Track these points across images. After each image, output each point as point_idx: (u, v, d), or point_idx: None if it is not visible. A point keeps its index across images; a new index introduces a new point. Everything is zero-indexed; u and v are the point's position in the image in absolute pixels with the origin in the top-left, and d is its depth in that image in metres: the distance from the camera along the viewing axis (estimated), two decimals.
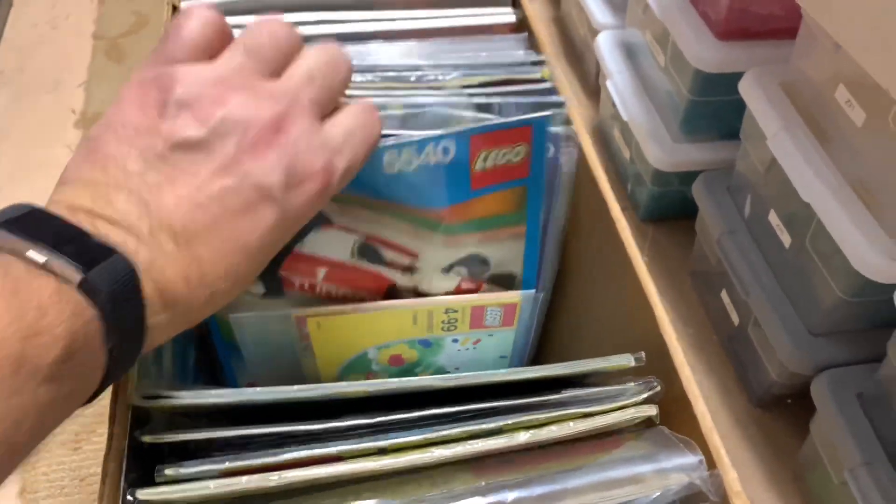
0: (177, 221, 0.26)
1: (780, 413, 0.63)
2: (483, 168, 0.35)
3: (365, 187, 0.34)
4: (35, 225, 0.24)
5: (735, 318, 0.64)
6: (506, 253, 0.40)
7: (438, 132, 0.34)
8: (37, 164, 0.78)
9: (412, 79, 0.41)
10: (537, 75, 0.44)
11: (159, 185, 0.26)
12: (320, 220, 0.36)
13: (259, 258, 0.28)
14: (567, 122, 0.41)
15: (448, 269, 0.39)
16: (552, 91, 0.43)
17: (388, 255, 0.38)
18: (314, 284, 0.38)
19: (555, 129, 0.39)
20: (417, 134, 0.34)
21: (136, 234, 0.26)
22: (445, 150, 0.34)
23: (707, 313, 0.70)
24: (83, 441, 0.58)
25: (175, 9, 0.46)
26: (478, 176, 0.35)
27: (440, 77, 0.42)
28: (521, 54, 0.46)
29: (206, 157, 0.27)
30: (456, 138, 0.34)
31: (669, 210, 0.75)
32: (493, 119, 0.37)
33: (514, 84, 0.43)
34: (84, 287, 0.23)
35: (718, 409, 0.64)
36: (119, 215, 0.26)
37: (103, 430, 0.58)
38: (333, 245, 0.37)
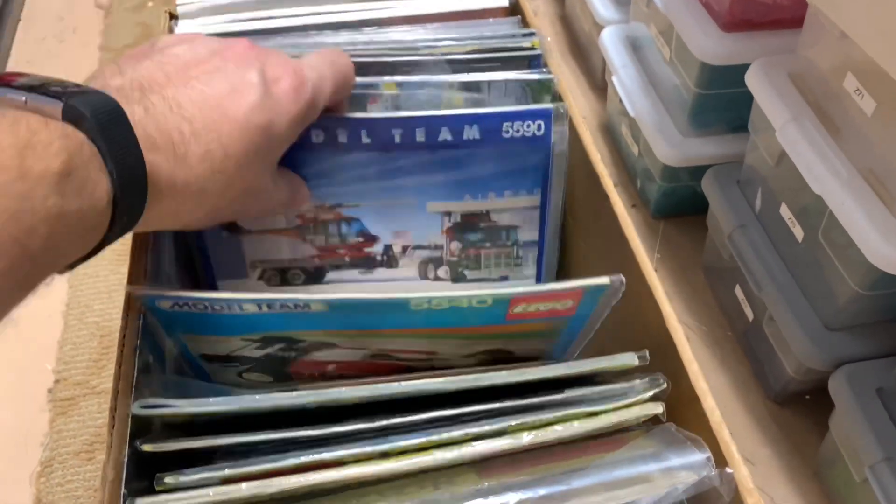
0: (167, 90, 0.30)
1: (799, 409, 0.62)
2: (524, 310, 0.34)
3: (388, 324, 0.34)
4: (25, 83, 0.27)
5: (749, 314, 0.63)
6: (533, 345, 0.39)
7: (475, 293, 0.32)
8: None
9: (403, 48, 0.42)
10: (528, 44, 0.43)
11: (150, 71, 0.30)
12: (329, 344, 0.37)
13: (247, 135, 0.31)
14: (558, 98, 0.41)
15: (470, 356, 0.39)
16: (540, 61, 0.42)
17: (403, 356, 0.38)
18: (324, 373, 0.39)
19: (546, 106, 0.38)
20: (457, 295, 0.32)
21: (127, 95, 0.29)
22: (482, 302, 0.32)
23: (721, 309, 0.69)
24: (97, 451, 0.59)
25: (172, 17, 0.46)
26: (515, 315, 0.34)
27: (431, 44, 0.42)
28: (512, 28, 0.46)
29: (191, 55, 0.32)
30: (493, 300, 0.32)
31: (680, 206, 0.75)
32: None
33: (505, 51, 0.43)
34: (66, 115, 0.26)
35: (735, 405, 0.63)
36: (112, 86, 0.29)
37: None
38: (344, 354, 0.37)
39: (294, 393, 0.29)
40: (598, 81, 0.89)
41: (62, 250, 0.26)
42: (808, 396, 0.62)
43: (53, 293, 0.68)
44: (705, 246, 0.71)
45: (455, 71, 0.43)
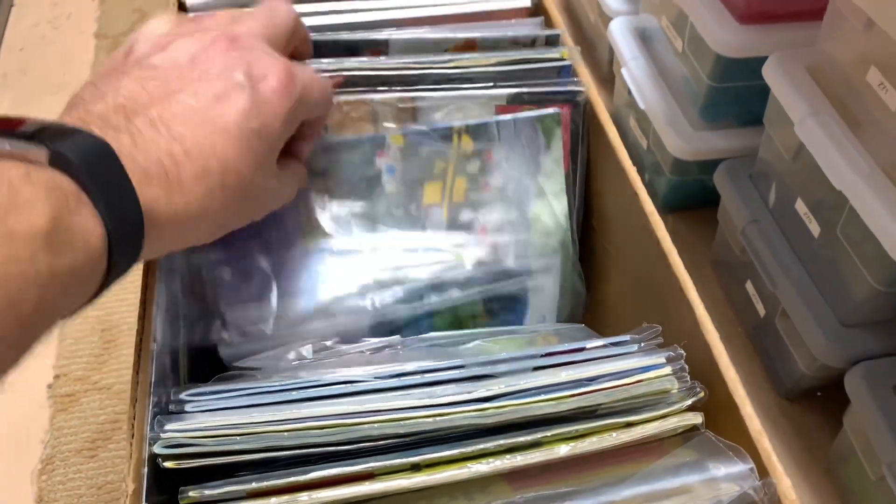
0: (152, 110, 0.28)
1: (810, 406, 0.62)
2: None
3: None
4: (3, 126, 0.25)
5: (761, 310, 0.62)
6: None
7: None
8: None
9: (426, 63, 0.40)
10: (556, 54, 0.42)
11: (131, 90, 0.29)
12: None
13: (243, 143, 0.30)
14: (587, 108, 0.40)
15: None
16: (569, 71, 0.41)
17: None
18: None
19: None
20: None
21: (114, 126, 0.27)
22: None
23: (731, 304, 0.68)
24: (99, 448, 0.57)
25: (181, 6, 0.44)
26: None
27: (454, 59, 0.41)
28: (535, 29, 0.45)
29: (171, 65, 0.30)
30: None
31: (689, 200, 0.74)
32: None
33: (532, 63, 0.42)
34: (54, 162, 0.24)
35: None
36: (95, 113, 0.28)
37: (119, 436, 0.58)
38: None
39: (323, 431, 0.28)
40: (604, 73, 0.88)
41: (57, 308, 0.25)
42: (819, 393, 0.61)
43: None
44: (715, 240, 0.70)
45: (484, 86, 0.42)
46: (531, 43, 0.45)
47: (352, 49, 0.42)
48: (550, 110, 0.41)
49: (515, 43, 0.45)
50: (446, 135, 0.41)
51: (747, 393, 0.63)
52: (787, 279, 0.57)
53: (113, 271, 0.26)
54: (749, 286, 0.64)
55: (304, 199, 0.41)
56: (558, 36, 0.44)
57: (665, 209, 0.75)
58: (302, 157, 0.38)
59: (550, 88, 0.41)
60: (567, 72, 0.42)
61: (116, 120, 0.28)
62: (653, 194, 0.75)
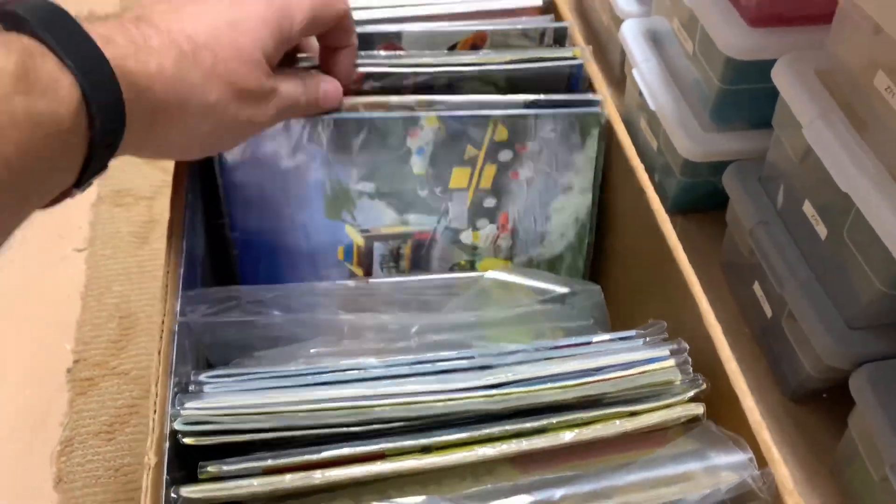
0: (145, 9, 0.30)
1: (816, 407, 0.62)
2: None
3: None
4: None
5: (768, 311, 0.63)
6: None
7: None
8: None
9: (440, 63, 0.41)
10: (567, 53, 0.43)
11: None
12: None
13: (254, 36, 0.32)
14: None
15: None
16: (581, 71, 0.42)
17: None
18: None
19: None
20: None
21: (99, 18, 0.29)
22: None
23: (738, 305, 0.69)
24: (117, 432, 0.59)
25: None
26: None
27: (467, 56, 0.42)
28: (544, 22, 0.46)
29: None
30: None
31: (699, 201, 0.74)
32: None
33: (545, 61, 0.42)
34: (5, 21, 0.25)
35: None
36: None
37: (137, 420, 0.59)
38: None
39: (337, 412, 0.29)
40: (615, 74, 0.89)
41: (47, 157, 0.25)
42: (825, 395, 0.62)
43: (72, 274, 0.68)
44: (724, 242, 0.71)
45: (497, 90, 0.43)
46: (540, 36, 0.46)
47: (365, 41, 0.44)
48: (592, 109, 0.42)
49: (525, 35, 0.46)
50: (482, 123, 0.42)
51: (753, 393, 0.63)
52: (794, 281, 0.58)
53: (95, 128, 0.26)
54: (756, 287, 0.64)
55: (330, 171, 0.43)
56: (566, 28, 0.45)
57: (674, 210, 0.76)
58: (343, 69, 0.39)
59: (567, 97, 0.42)
60: (580, 70, 0.43)
61: (104, 19, 0.29)
62: (663, 195, 0.76)
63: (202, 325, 0.34)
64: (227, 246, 0.45)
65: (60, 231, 0.71)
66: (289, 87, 0.36)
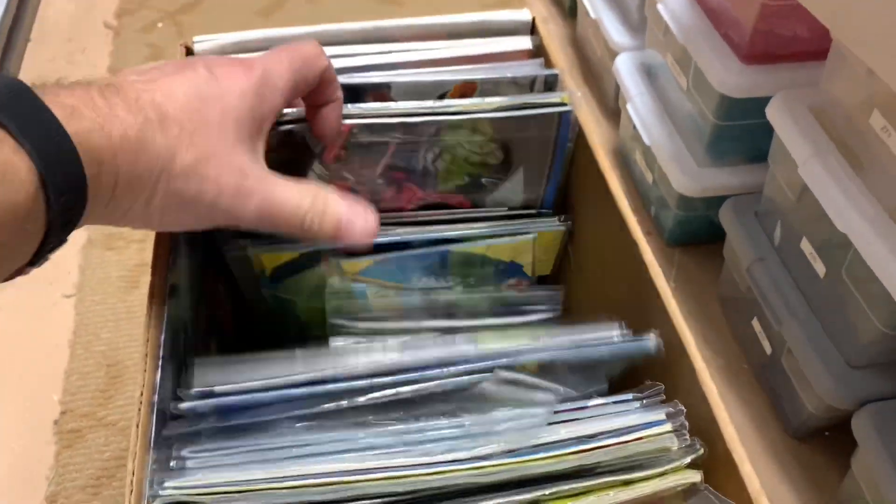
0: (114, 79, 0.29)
1: (818, 445, 0.61)
2: None
3: None
4: None
5: (767, 347, 0.62)
6: None
7: None
8: None
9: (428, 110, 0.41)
10: (556, 98, 0.43)
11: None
12: None
13: (228, 111, 0.31)
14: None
15: None
16: (570, 118, 0.42)
17: None
18: None
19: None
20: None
21: (66, 89, 0.27)
22: None
23: (737, 341, 0.68)
24: (103, 486, 0.57)
25: (189, 51, 0.45)
26: None
27: (455, 104, 0.42)
28: (535, 69, 0.45)
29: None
30: None
31: (695, 234, 0.74)
32: None
33: (533, 108, 0.42)
34: None
35: (752, 439, 0.62)
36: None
37: (123, 474, 0.58)
38: None
39: (322, 488, 0.27)
40: (610, 106, 0.89)
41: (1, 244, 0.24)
42: (827, 433, 0.61)
43: (60, 321, 0.67)
44: (721, 276, 0.70)
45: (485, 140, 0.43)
46: (531, 84, 0.46)
47: (355, 91, 0.43)
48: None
49: (515, 84, 0.45)
50: None
51: (754, 431, 0.63)
52: (792, 319, 0.57)
53: (56, 209, 0.25)
54: (755, 323, 0.63)
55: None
56: (556, 76, 0.45)
57: (672, 243, 0.75)
58: (330, 124, 0.38)
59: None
60: (567, 118, 0.42)
61: (72, 87, 0.28)
62: (659, 228, 0.76)
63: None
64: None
65: (49, 277, 0.70)
66: (286, 191, 0.32)
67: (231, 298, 0.50)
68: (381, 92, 0.45)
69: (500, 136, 0.43)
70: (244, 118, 0.31)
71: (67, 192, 0.26)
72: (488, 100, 0.42)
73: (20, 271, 0.27)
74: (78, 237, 0.72)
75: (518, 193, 0.47)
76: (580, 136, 0.44)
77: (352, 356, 0.32)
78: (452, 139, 0.43)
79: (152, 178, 0.29)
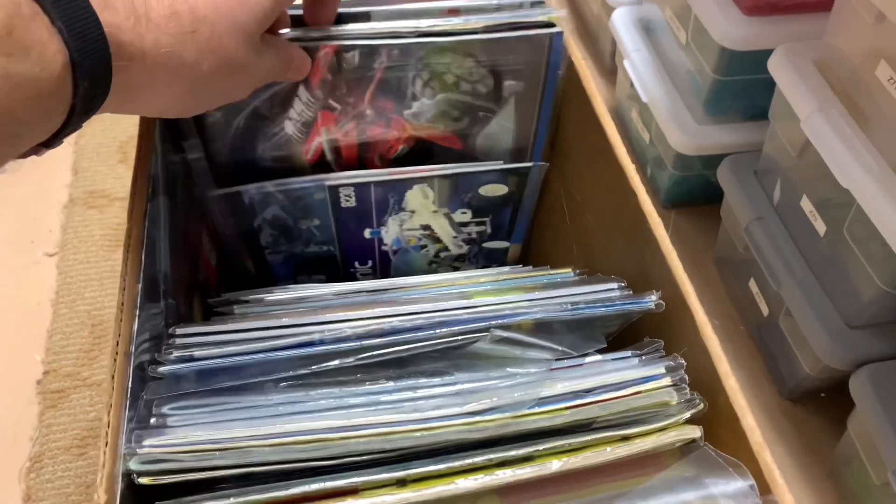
0: None
1: (813, 406, 0.60)
2: None
3: None
4: None
5: (764, 309, 0.61)
6: None
7: None
8: (32, 162, 0.75)
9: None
10: (544, 18, 0.41)
11: None
12: None
13: (254, 9, 0.32)
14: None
15: None
16: (561, 39, 0.40)
17: None
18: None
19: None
20: None
21: None
22: None
23: (734, 302, 0.67)
24: (89, 446, 0.56)
25: None
26: None
27: (440, 23, 0.40)
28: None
29: None
30: None
31: (692, 195, 0.72)
32: None
33: (520, 29, 0.40)
34: None
35: (748, 401, 0.61)
36: None
37: None
38: None
39: (307, 446, 0.26)
40: (606, 65, 0.87)
41: (22, 119, 0.24)
42: (823, 394, 0.60)
43: (42, 280, 0.65)
44: (718, 237, 0.69)
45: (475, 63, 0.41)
46: (517, 7, 0.44)
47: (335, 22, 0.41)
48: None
49: (500, 8, 0.43)
50: None
51: (749, 393, 0.62)
52: (791, 279, 0.56)
53: (79, 94, 0.26)
54: (752, 284, 0.62)
55: None
56: (543, 3, 0.43)
57: (668, 204, 0.74)
58: (329, 17, 0.39)
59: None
60: (558, 41, 0.41)
61: None
62: (655, 189, 0.74)
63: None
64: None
65: (31, 235, 0.68)
66: (268, 60, 0.36)
67: (217, 255, 0.48)
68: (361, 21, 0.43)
69: (489, 61, 0.41)
70: (266, 15, 0.33)
71: (93, 79, 0.26)
72: (474, 18, 0.40)
73: (35, 150, 0.27)
74: (59, 195, 0.70)
75: (509, 132, 0.45)
76: (574, 80, 0.42)
77: (340, 313, 0.30)
78: (440, 64, 0.41)
79: (177, 81, 0.30)
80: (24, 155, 0.27)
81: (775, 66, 0.55)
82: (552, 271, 0.38)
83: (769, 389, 0.62)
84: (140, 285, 0.31)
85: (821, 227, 0.54)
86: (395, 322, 0.29)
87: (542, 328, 0.30)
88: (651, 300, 0.31)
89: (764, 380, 0.63)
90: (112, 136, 0.74)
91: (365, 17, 0.41)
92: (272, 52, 0.36)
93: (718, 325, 0.66)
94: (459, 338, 0.29)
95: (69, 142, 0.77)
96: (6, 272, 0.66)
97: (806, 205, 0.55)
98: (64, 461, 0.55)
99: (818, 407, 0.60)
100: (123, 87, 0.28)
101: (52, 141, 0.27)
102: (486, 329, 0.29)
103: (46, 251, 0.68)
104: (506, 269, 0.42)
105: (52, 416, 0.57)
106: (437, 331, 0.29)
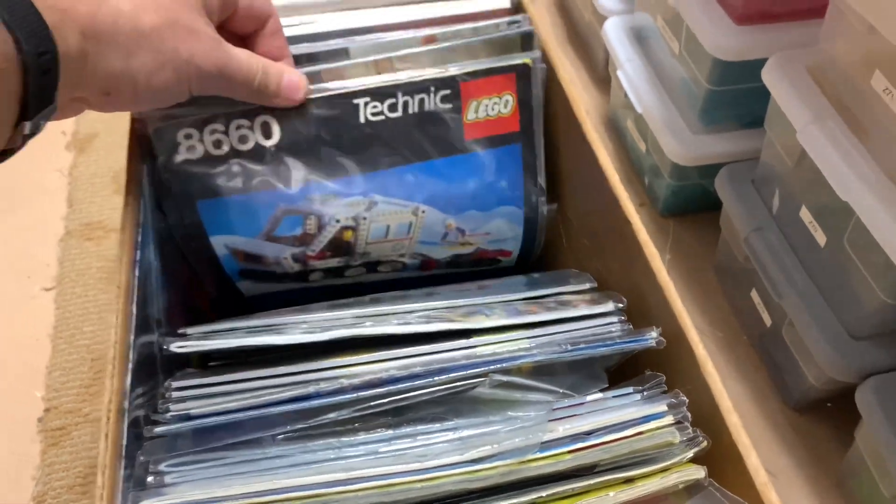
0: None
1: (819, 417, 0.60)
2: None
3: None
4: None
5: (767, 319, 0.61)
6: None
7: None
8: (30, 188, 0.75)
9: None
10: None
11: None
12: None
13: None
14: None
15: None
16: (533, 40, 0.40)
17: None
18: None
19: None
20: None
21: None
22: None
23: (735, 313, 0.66)
24: (91, 484, 0.56)
25: None
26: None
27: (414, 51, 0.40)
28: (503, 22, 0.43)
29: None
30: None
31: (690, 204, 0.72)
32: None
33: (490, 32, 0.40)
34: None
35: (752, 413, 0.61)
36: None
37: None
38: None
39: (307, 501, 0.26)
40: (599, 73, 0.86)
41: None
42: (829, 404, 0.59)
43: (40, 315, 0.65)
44: (718, 247, 0.68)
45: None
46: (494, 29, 0.43)
47: (312, 60, 0.41)
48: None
49: (476, 32, 0.43)
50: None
51: (754, 404, 0.61)
52: (792, 290, 0.55)
53: (30, 75, 0.26)
54: (754, 295, 0.62)
55: None
56: (519, 22, 0.42)
57: (666, 214, 0.73)
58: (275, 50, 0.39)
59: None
60: (529, 37, 0.40)
61: None
62: (653, 198, 0.74)
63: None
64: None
65: (28, 270, 0.68)
66: (241, 54, 0.36)
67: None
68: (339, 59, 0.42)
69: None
70: None
71: (41, 53, 0.26)
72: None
73: (13, 140, 0.27)
74: (55, 228, 0.70)
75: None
76: (566, 107, 0.42)
77: (336, 359, 0.30)
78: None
79: (120, 33, 0.30)
80: (5, 152, 0.27)
81: (769, 76, 0.54)
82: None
83: (774, 399, 0.62)
84: (132, 336, 0.31)
85: (821, 237, 0.53)
86: (393, 370, 0.29)
87: (543, 369, 0.30)
88: (651, 337, 0.31)
89: (768, 390, 0.62)
90: (106, 166, 0.73)
91: (343, 53, 0.40)
92: (245, 54, 0.36)
93: (720, 335, 0.65)
94: (458, 384, 0.28)
95: (63, 173, 0.77)
96: (4, 308, 0.66)
97: (805, 215, 0.55)
98: (67, 500, 0.55)
99: (824, 417, 0.60)
100: (70, 48, 0.28)
101: (28, 117, 0.27)
102: (486, 374, 0.28)
103: (44, 286, 0.67)
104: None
105: (55, 454, 0.57)
106: (436, 378, 0.28)
